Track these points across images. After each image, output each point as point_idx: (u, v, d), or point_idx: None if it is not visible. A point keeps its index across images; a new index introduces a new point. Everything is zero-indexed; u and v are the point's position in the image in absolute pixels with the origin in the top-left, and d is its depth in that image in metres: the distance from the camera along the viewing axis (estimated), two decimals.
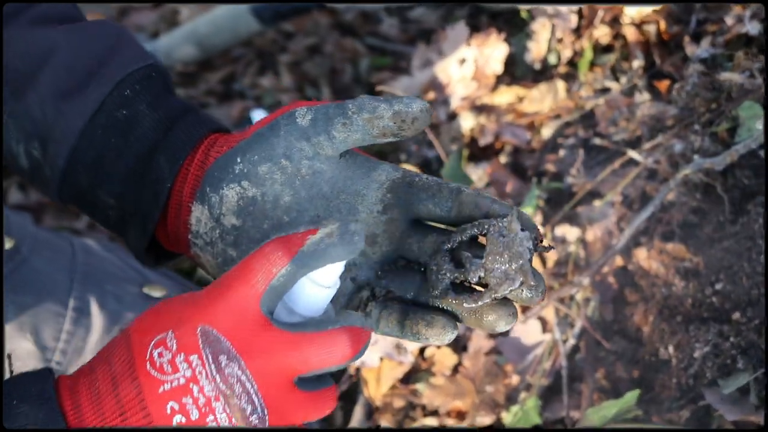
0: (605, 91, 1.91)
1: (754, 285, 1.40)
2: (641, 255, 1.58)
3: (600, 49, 1.98)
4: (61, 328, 1.32)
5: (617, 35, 1.95)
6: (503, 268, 0.76)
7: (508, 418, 1.53)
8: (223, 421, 0.74)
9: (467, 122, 2.02)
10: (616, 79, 1.92)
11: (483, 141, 1.97)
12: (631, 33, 1.90)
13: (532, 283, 0.77)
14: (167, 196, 0.89)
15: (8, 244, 1.31)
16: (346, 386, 1.67)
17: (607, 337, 1.55)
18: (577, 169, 1.78)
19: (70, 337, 1.32)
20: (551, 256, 1.67)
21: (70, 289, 1.34)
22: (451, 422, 1.59)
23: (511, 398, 1.58)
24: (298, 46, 2.53)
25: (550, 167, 1.84)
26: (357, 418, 1.66)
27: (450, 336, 0.80)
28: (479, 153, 1.98)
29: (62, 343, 1.32)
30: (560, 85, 1.97)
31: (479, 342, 1.64)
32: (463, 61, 2.13)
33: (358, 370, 1.68)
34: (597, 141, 1.81)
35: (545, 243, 0.81)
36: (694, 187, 1.58)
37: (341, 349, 0.75)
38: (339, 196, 0.86)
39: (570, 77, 2.01)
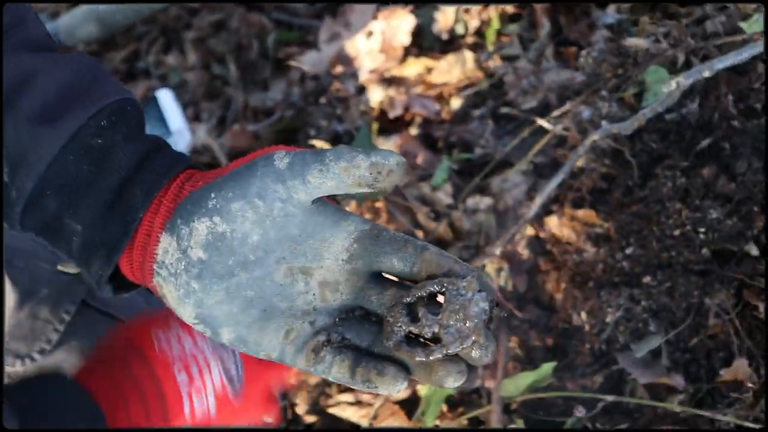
0: (513, 59, 1.91)
1: (664, 248, 1.40)
2: (553, 223, 1.58)
3: (507, 18, 1.98)
4: None
5: (524, 4, 1.95)
6: (458, 325, 0.78)
7: (423, 390, 1.51)
8: (216, 379, 1.07)
9: (376, 95, 2.00)
10: (524, 48, 1.91)
11: (393, 113, 1.95)
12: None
13: (484, 342, 0.78)
14: (137, 226, 0.90)
15: None
16: None
17: (520, 306, 1.55)
18: (487, 139, 1.77)
19: None
20: (463, 228, 1.66)
21: None
22: (366, 397, 1.57)
23: None
24: (203, 22, 2.48)
25: (461, 138, 1.83)
26: None
27: (400, 386, 0.81)
28: (389, 126, 1.96)
29: None
30: (468, 55, 1.96)
31: None
32: (370, 33, 2.11)
33: None
34: (506, 110, 1.80)
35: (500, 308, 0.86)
36: (602, 153, 1.58)
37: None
38: (307, 240, 0.87)
39: (478, 47, 2.00)
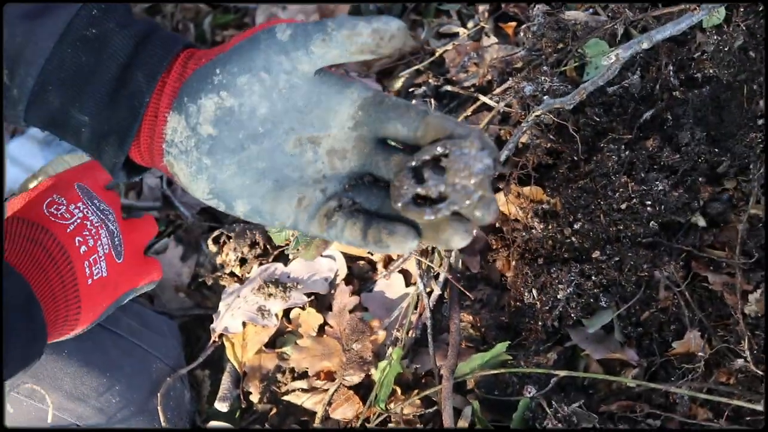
0: (453, 36, 1.90)
1: (612, 222, 1.41)
2: (500, 200, 1.58)
3: None
4: None
5: None
6: (463, 182, 0.80)
7: (377, 374, 1.51)
8: (105, 245, 1.15)
9: None
10: (463, 24, 1.90)
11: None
12: None
13: (489, 196, 0.81)
14: (146, 110, 0.91)
15: None
16: (211, 350, 1.63)
17: (471, 286, 1.55)
18: None
19: None
20: None
21: None
22: (320, 383, 1.56)
23: (379, 354, 1.56)
24: (137, 7, 2.44)
25: None
26: (225, 386, 1.62)
27: (411, 245, 0.84)
28: None
29: None
30: (408, 32, 1.94)
31: (343, 300, 1.62)
32: (307, 14, 2.08)
33: (221, 336, 1.63)
34: (448, 88, 1.79)
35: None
36: (546, 129, 1.57)
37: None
38: (313, 110, 0.90)
39: (417, 24, 1.98)
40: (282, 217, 0.91)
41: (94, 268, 1.15)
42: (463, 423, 1.39)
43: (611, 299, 1.39)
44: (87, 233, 1.13)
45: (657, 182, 1.39)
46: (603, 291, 1.40)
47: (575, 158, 1.52)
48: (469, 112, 1.68)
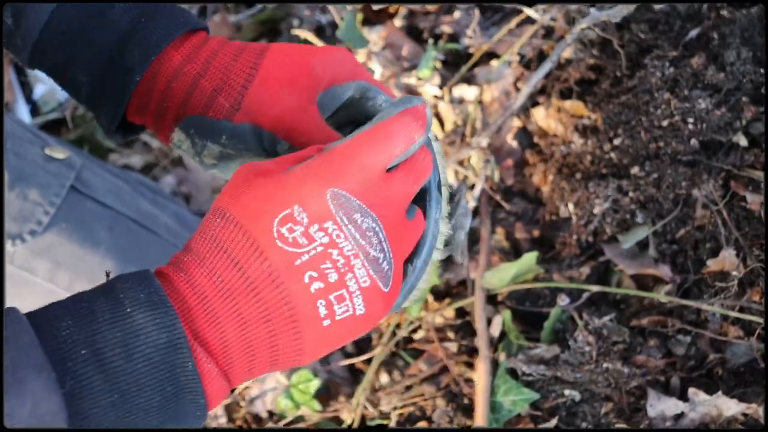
0: None
1: (652, 139, 1.40)
2: (539, 114, 1.57)
3: None
4: None
5: None
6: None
7: None
8: (362, 277, 0.75)
9: None
10: None
11: (377, 4, 1.92)
12: None
13: None
14: (135, 88, 0.89)
15: None
16: None
17: (507, 199, 1.55)
18: (473, 30, 1.75)
19: None
20: (449, 118, 1.65)
21: None
22: None
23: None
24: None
25: (447, 29, 1.80)
26: None
27: None
28: (373, 17, 1.93)
29: None
30: None
31: None
32: None
33: None
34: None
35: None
36: (590, 44, 1.56)
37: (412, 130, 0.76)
38: None
39: None
40: None
41: (336, 307, 0.78)
42: (494, 331, 1.40)
43: (648, 216, 1.39)
44: (328, 266, 0.77)
45: (700, 100, 1.37)
46: (640, 207, 1.39)
47: (618, 74, 1.51)
48: (512, 25, 1.67)
